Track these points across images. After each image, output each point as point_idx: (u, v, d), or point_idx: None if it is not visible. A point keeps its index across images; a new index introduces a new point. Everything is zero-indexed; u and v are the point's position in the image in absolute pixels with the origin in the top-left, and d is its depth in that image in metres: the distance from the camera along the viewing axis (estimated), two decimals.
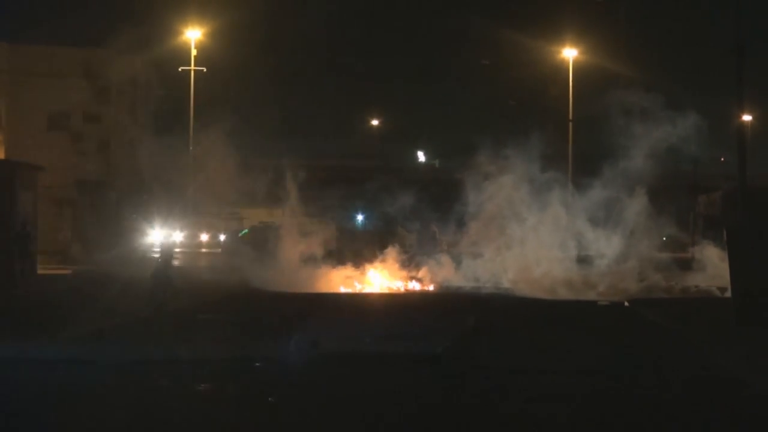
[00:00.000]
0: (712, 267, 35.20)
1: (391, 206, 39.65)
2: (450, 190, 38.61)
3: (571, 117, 64.58)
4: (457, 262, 37.07)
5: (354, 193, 45.46)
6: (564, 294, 33.38)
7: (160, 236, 47.27)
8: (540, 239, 36.70)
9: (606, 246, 36.68)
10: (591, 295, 32.99)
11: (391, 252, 37.24)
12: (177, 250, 46.81)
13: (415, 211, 39.96)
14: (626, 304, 30.40)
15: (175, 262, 45.07)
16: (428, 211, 40.67)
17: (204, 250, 64.23)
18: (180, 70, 60.67)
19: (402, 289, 35.83)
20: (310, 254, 37.50)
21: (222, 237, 65.59)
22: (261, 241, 44.23)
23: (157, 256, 36.52)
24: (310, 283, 35.47)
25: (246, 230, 51.23)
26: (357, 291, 35.40)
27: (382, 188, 40.31)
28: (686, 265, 39.38)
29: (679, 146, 36.50)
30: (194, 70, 60.15)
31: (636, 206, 36.26)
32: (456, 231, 38.75)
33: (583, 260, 37.04)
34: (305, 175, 39.66)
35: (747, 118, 59.48)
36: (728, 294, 25.31)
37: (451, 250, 38.98)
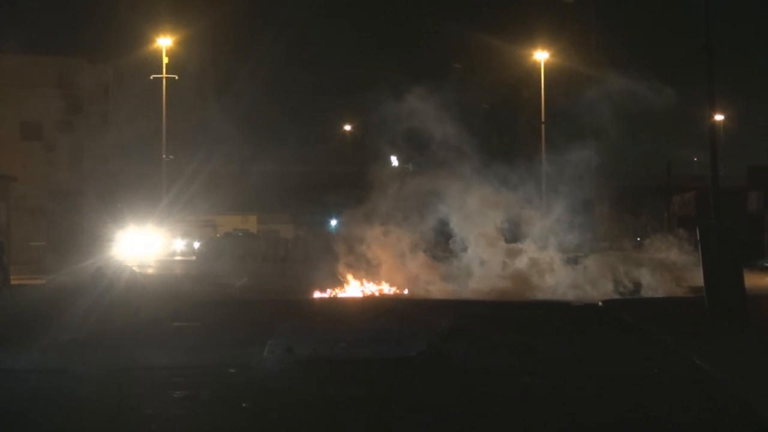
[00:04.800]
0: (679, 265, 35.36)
1: (356, 210, 39.00)
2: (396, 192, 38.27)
3: (543, 119, 64.89)
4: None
5: (323, 200, 45.14)
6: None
7: (135, 247, 47.28)
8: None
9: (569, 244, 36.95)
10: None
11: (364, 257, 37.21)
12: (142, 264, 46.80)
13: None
14: (600, 304, 30.51)
15: (150, 270, 45.12)
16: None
17: (178, 258, 64.08)
18: (152, 78, 60.75)
19: (376, 293, 35.84)
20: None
21: (196, 244, 65.51)
22: (237, 248, 44.23)
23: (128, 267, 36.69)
24: (285, 288, 35.55)
25: None
26: (330, 296, 35.36)
27: (348, 193, 39.99)
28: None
29: (652, 146, 36.79)
30: (166, 78, 60.24)
31: (605, 207, 36.44)
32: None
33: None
34: (278, 182, 39.53)
35: (719, 117, 59.94)
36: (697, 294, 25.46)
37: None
